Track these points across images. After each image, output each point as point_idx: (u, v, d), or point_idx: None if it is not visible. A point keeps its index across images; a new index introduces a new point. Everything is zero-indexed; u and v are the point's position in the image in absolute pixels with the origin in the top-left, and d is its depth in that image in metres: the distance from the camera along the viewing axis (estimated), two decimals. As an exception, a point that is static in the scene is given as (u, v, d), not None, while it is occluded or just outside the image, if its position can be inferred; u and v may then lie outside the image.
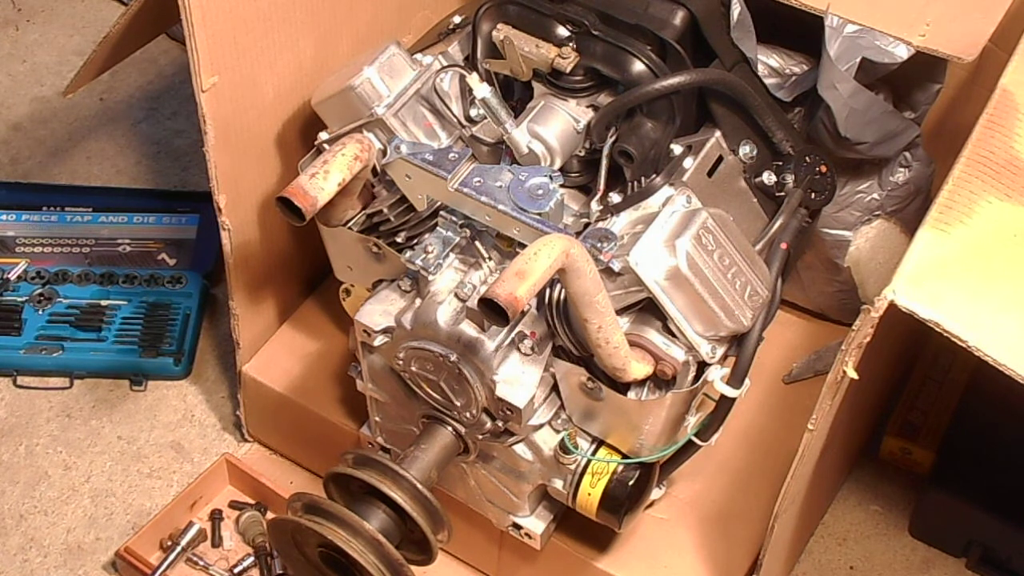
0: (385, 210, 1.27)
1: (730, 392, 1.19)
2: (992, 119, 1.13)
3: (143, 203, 1.85)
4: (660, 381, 1.19)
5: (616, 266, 1.14)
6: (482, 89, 1.24)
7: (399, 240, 1.26)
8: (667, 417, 1.19)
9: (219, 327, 1.74)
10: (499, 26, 1.29)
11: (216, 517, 1.52)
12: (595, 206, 1.24)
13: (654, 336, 1.17)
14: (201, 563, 1.48)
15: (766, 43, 1.34)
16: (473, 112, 1.29)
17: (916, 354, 1.64)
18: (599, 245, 1.15)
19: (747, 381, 1.20)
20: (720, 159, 1.29)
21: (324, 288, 1.62)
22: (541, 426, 1.24)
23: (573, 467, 1.24)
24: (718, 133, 1.29)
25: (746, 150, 1.31)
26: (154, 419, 1.65)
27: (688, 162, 1.25)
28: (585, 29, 1.26)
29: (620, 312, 1.17)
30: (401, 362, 1.23)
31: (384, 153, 1.26)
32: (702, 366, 1.19)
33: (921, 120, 1.43)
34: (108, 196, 1.87)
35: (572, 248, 1.04)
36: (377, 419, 1.38)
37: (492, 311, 1.02)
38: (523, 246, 1.11)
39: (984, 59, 1.26)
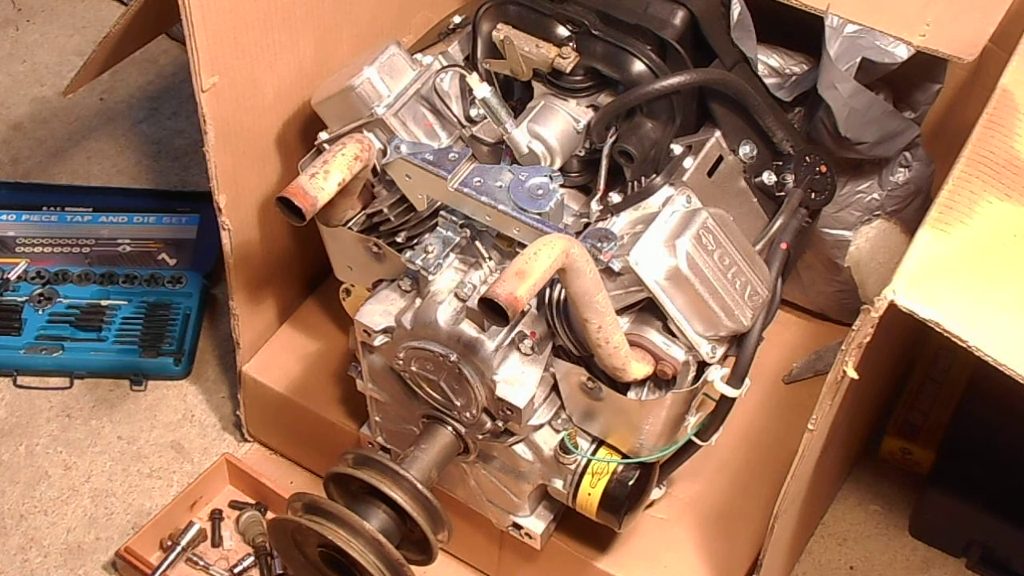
0: (385, 210, 1.27)
1: (730, 392, 1.19)
2: (992, 119, 1.13)
3: (143, 203, 1.85)
4: (660, 381, 1.19)
5: (616, 266, 1.14)
6: (482, 89, 1.24)
7: (399, 240, 1.26)
8: (667, 417, 1.19)
9: (219, 327, 1.74)
10: (499, 26, 1.29)
11: (216, 517, 1.52)
12: (595, 206, 1.24)
13: (654, 336, 1.17)
14: (201, 563, 1.48)
15: (766, 43, 1.34)
16: (473, 112, 1.29)
17: (916, 354, 1.64)
18: (599, 245, 1.15)
19: (747, 381, 1.20)
20: (720, 159, 1.29)
21: (324, 288, 1.62)
22: (541, 426, 1.24)
23: (573, 467, 1.24)
24: (718, 133, 1.29)
25: (746, 150, 1.31)
26: (154, 419, 1.65)
27: (688, 162, 1.25)
28: (585, 29, 1.26)
29: (620, 312, 1.17)
30: (401, 362, 1.23)
31: (384, 153, 1.26)
32: (702, 366, 1.19)
33: (921, 120, 1.43)
34: (108, 196, 1.87)
35: (572, 248, 1.04)
36: (377, 419, 1.38)
37: (492, 311, 1.02)
38: (523, 246, 1.11)
39: (984, 59, 1.26)
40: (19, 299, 1.70)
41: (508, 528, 1.35)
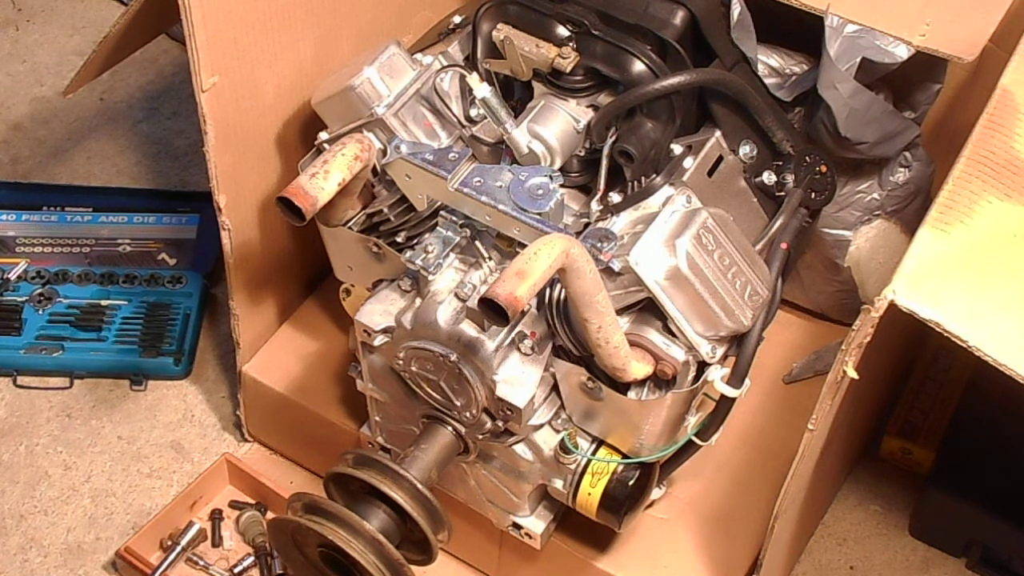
0: (385, 210, 1.27)
1: (730, 392, 1.19)
2: (992, 119, 1.13)
3: (143, 203, 1.85)
4: (660, 381, 1.19)
5: (616, 266, 1.14)
6: (482, 89, 1.24)
7: (399, 240, 1.26)
8: (667, 417, 1.19)
9: (219, 327, 1.74)
10: (499, 26, 1.29)
11: (216, 517, 1.52)
12: (595, 206, 1.24)
13: (654, 336, 1.17)
14: (201, 563, 1.48)
15: (766, 43, 1.34)
16: (473, 112, 1.29)
17: (916, 354, 1.64)
18: (599, 245, 1.15)
19: (747, 381, 1.20)
20: (720, 159, 1.29)
21: (324, 288, 1.62)
22: (541, 426, 1.24)
23: (573, 467, 1.24)
24: (718, 133, 1.29)
25: (746, 150, 1.31)
26: (154, 419, 1.65)
27: (688, 162, 1.25)
28: (585, 29, 1.26)
29: (620, 312, 1.17)
30: (401, 362, 1.23)
31: (384, 153, 1.26)
32: (702, 366, 1.19)
33: (921, 120, 1.43)
34: (108, 196, 1.87)
35: (572, 248, 1.04)
36: (377, 419, 1.38)
37: (492, 311, 1.02)
38: (523, 246, 1.11)
39: (984, 59, 1.26)
40: (19, 299, 1.70)
41: (508, 528, 1.35)
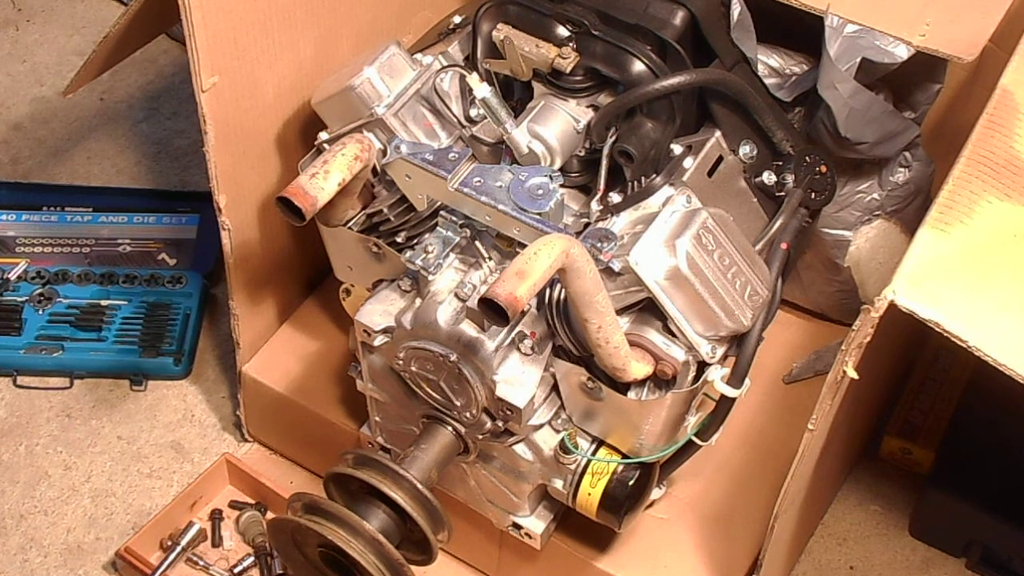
0: (385, 210, 1.27)
1: (730, 392, 1.19)
2: (992, 119, 1.13)
3: (143, 203, 1.85)
4: (660, 381, 1.19)
5: (616, 266, 1.14)
6: (482, 89, 1.24)
7: (399, 240, 1.26)
8: (667, 417, 1.19)
9: (219, 327, 1.74)
10: (499, 26, 1.29)
11: (216, 517, 1.52)
12: (595, 206, 1.24)
13: (654, 336, 1.17)
14: (201, 563, 1.48)
15: (766, 43, 1.34)
16: (473, 112, 1.29)
17: (916, 354, 1.64)
18: (599, 245, 1.15)
19: (747, 381, 1.20)
20: (720, 159, 1.29)
21: (324, 288, 1.62)
22: (541, 426, 1.24)
23: (573, 467, 1.24)
24: (718, 133, 1.29)
25: (746, 150, 1.31)
26: (154, 419, 1.65)
27: (688, 162, 1.25)
28: (585, 29, 1.26)
29: (620, 312, 1.17)
30: (401, 362, 1.23)
31: (384, 153, 1.26)
32: (702, 366, 1.19)
33: (921, 120, 1.43)
34: (108, 196, 1.87)
35: (572, 248, 1.04)
36: (377, 419, 1.38)
37: (492, 311, 1.02)
38: (523, 246, 1.11)
39: (984, 59, 1.26)
40: (19, 299, 1.70)
41: (508, 528, 1.35)
